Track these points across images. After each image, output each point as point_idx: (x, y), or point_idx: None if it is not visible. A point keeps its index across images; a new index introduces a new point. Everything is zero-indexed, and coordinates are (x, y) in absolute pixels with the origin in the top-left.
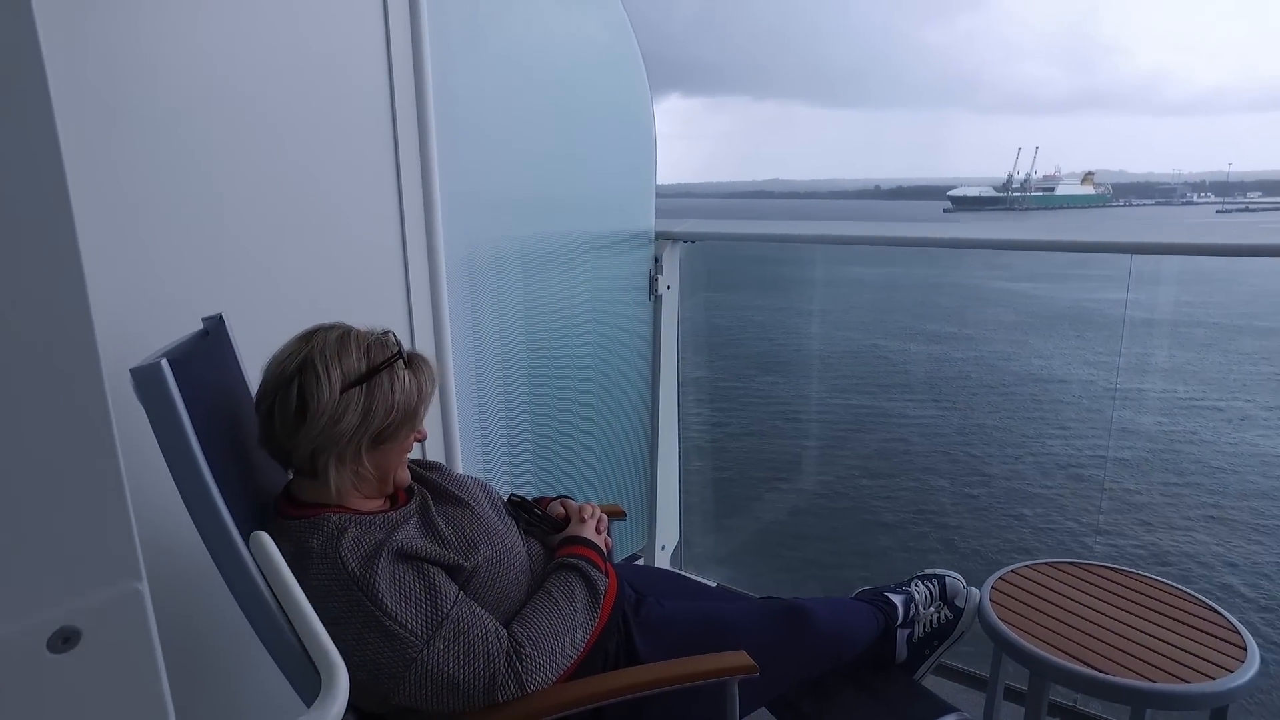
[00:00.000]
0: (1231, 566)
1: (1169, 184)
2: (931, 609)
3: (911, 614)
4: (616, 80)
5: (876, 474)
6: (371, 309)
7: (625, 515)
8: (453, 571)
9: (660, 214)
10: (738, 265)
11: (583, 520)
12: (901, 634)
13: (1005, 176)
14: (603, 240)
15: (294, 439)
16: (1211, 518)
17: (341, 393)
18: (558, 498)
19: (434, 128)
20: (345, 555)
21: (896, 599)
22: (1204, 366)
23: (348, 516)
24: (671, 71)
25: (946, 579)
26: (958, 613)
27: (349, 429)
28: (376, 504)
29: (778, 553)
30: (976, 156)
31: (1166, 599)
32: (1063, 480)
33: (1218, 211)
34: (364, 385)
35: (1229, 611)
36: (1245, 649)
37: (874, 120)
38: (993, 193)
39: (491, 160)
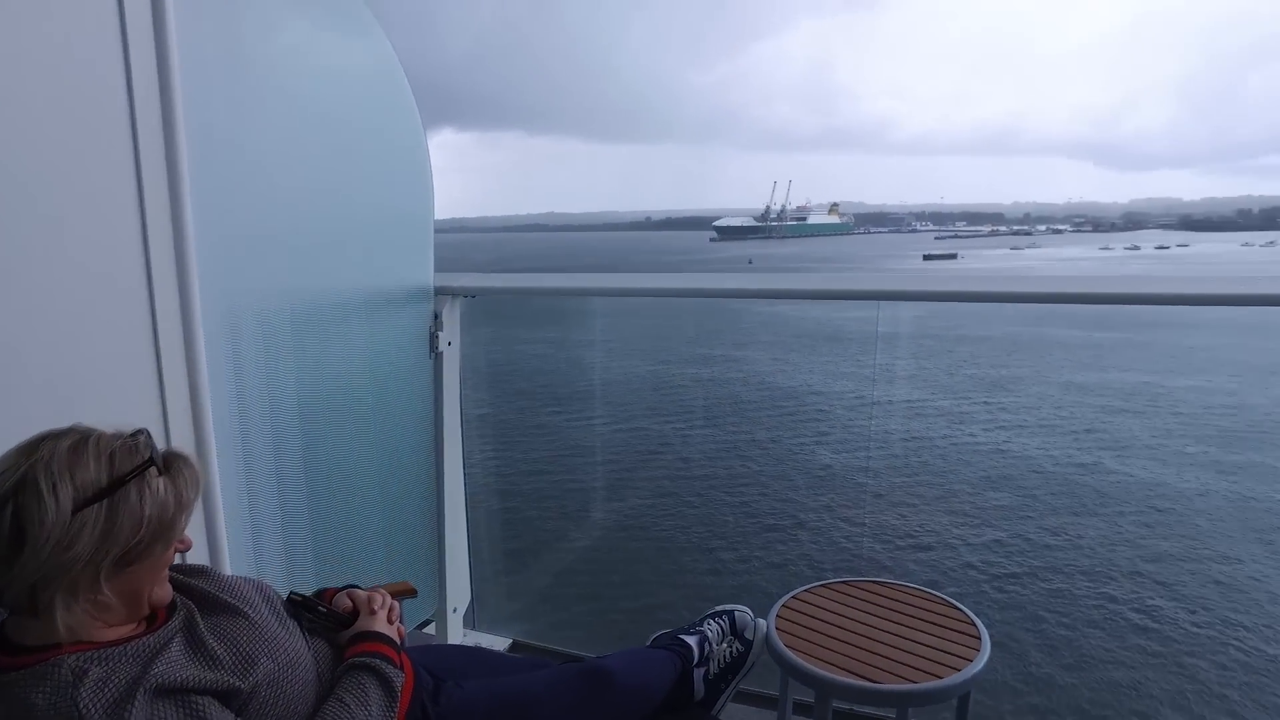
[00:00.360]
0: (969, 546)
1: (898, 214)
2: (724, 645)
3: (706, 652)
4: (386, 114)
5: (666, 501)
6: (111, 390)
7: (416, 593)
8: (228, 697)
9: (438, 248)
10: (515, 297)
11: (372, 611)
12: (698, 673)
13: (764, 207)
14: (379, 296)
15: (7, 573)
16: (952, 510)
17: (74, 513)
18: (344, 588)
19: (186, 170)
20: (85, 708)
21: (691, 640)
22: (935, 372)
23: (88, 654)
24: (444, 105)
25: (735, 613)
26: (748, 645)
27: (83, 555)
28: (127, 629)
29: (574, 599)
30: (738, 189)
31: (920, 603)
32: (833, 485)
33: (936, 239)
34: (104, 501)
35: (966, 605)
36: (979, 639)
37: (645, 155)
38: (754, 222)
39: (255, 204)
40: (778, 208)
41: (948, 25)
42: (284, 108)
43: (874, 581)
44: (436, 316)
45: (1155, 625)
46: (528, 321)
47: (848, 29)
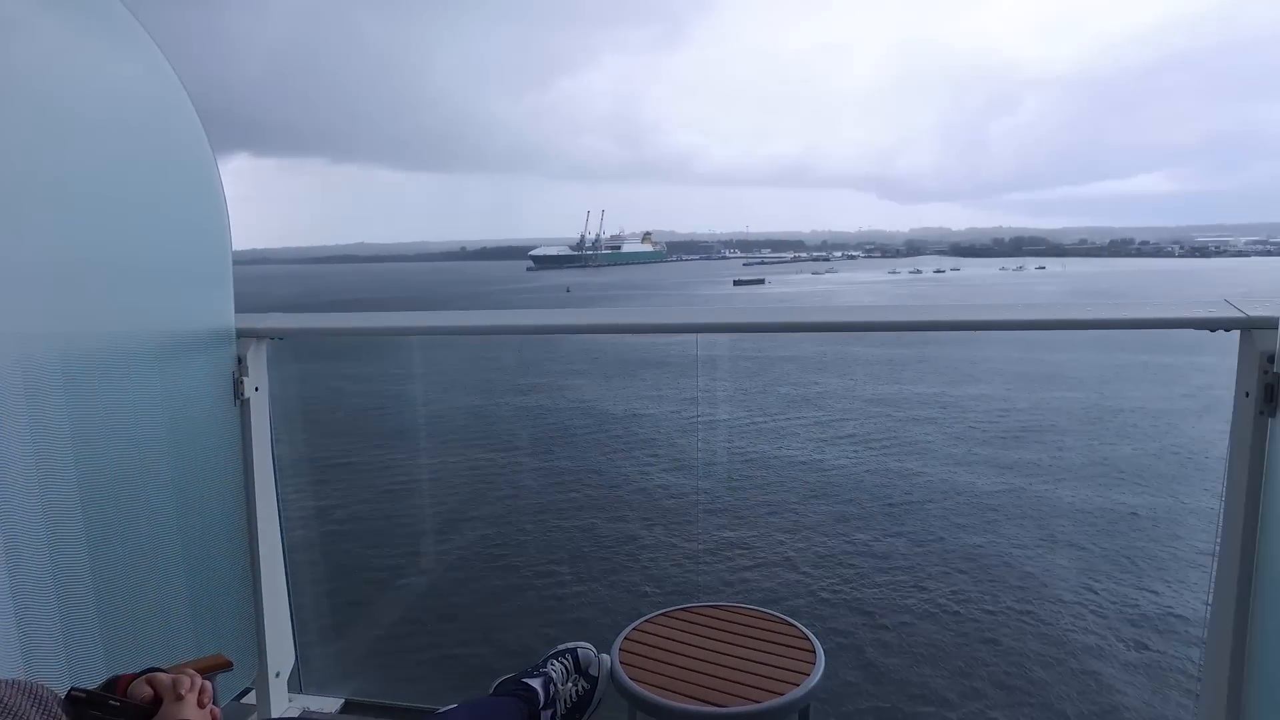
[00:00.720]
0: (799, 558)
1: (708, 242)
2: (569, 684)
3: (551, 694)
4: (166, 133)
5: (500, 536)
6: None
7: (230, 665)
8: None
9: (237, 281)
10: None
11: (178, 696)
12: (545, 716)
13: (579, 236)
14: (172, 340)
15: None
16: (780, 524)
17: None
18: (142, 673)
19: None
20: None
21: (535, 683)
22: (753, 392)
23: None
24: (237, 130)
25: (578, 651)
26: (593, 681)
27: None
28: None
29: (410, 649)
30: (552, 218)
31: (757, 623)
32: (667, 508)
33: (744, 265)
34: None
35: (802, 617)
36: (814, 653)
37: (456, 185)
38: (570, 251)
39: (14, 240)
40: (593, 236)
41: (744, 67)
42: (50, 132)
43: (712, 606)
44: (240, 361)
45: (958, 618)
46: (342, 357)
47: (650, 67)
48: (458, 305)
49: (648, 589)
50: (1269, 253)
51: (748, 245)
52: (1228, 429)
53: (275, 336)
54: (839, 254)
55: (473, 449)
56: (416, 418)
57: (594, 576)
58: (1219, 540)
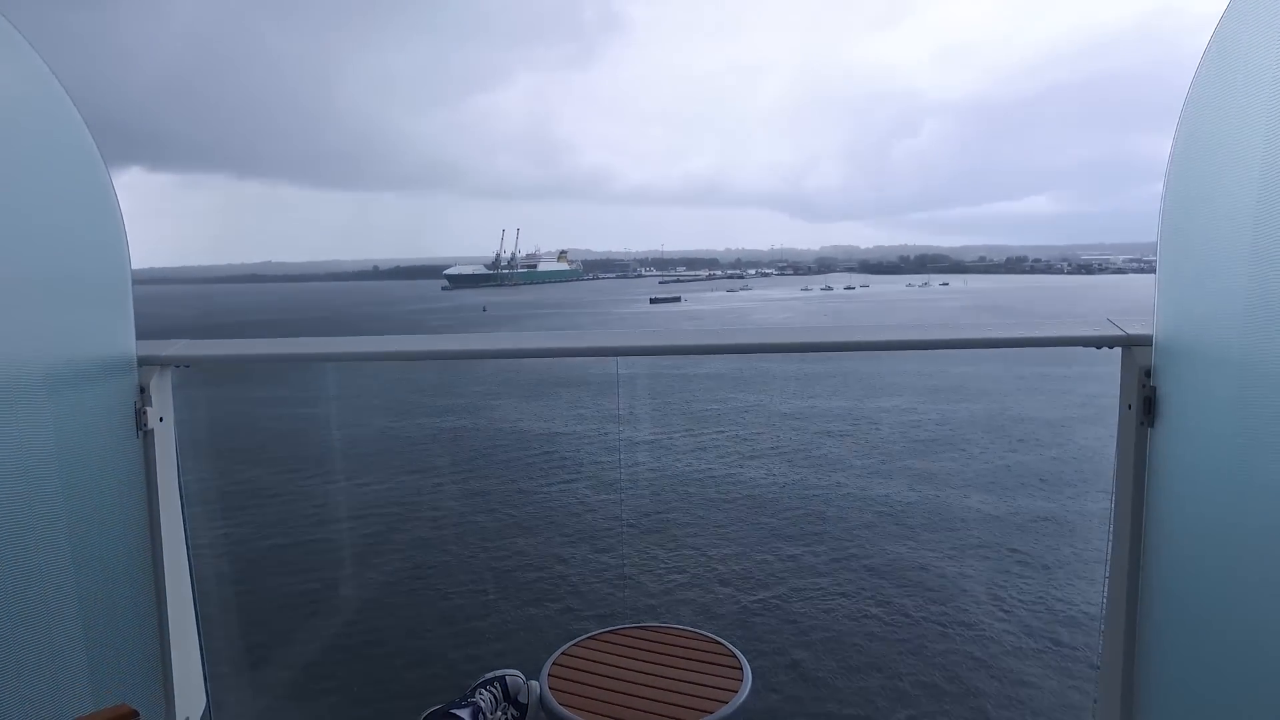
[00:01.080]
0: (723, 565)
1: (624, 260)
2: (498, 713)
3: None
4: (51, 146)
5: (423, 561)
6: None
7: (136, 713)
8: None
9: (137, 301)
10: (239, 364)
11: None
12: None
13: (495, 255)
14: (64, 369)
15: None
16: (703, 540)
17: None
18: None
19: None
20: None
21: (463, 713)
22: (673, 409)
23: None
24: (129, 142)
25: (507, 678)
26: (522, 709)
27: None
28: None
29: (331, 685)
30: (467, 237)
31: (684, 643)
32: (591, 528)
33: (660, 283)
34: None
35: (728, 632)
36: (741, 669)
37: (368, 202)
38: (485, 270)
39: None
40: (508, 255)
41: (656, 88)
42: None
43: (639, 627)
44: (143, 390)
45: (880, 622)
46: (253, 382)
47: (563, 86)
48: (372, 326)
49: (574, 614)
50: (1143, 270)
51: (663, 263)
52: (1115, 438)
53: (181, 364)
54: (753, 271)
55: (392, 473)
56: (333, 442)
57: (521, 600)
58: (1110, 540)
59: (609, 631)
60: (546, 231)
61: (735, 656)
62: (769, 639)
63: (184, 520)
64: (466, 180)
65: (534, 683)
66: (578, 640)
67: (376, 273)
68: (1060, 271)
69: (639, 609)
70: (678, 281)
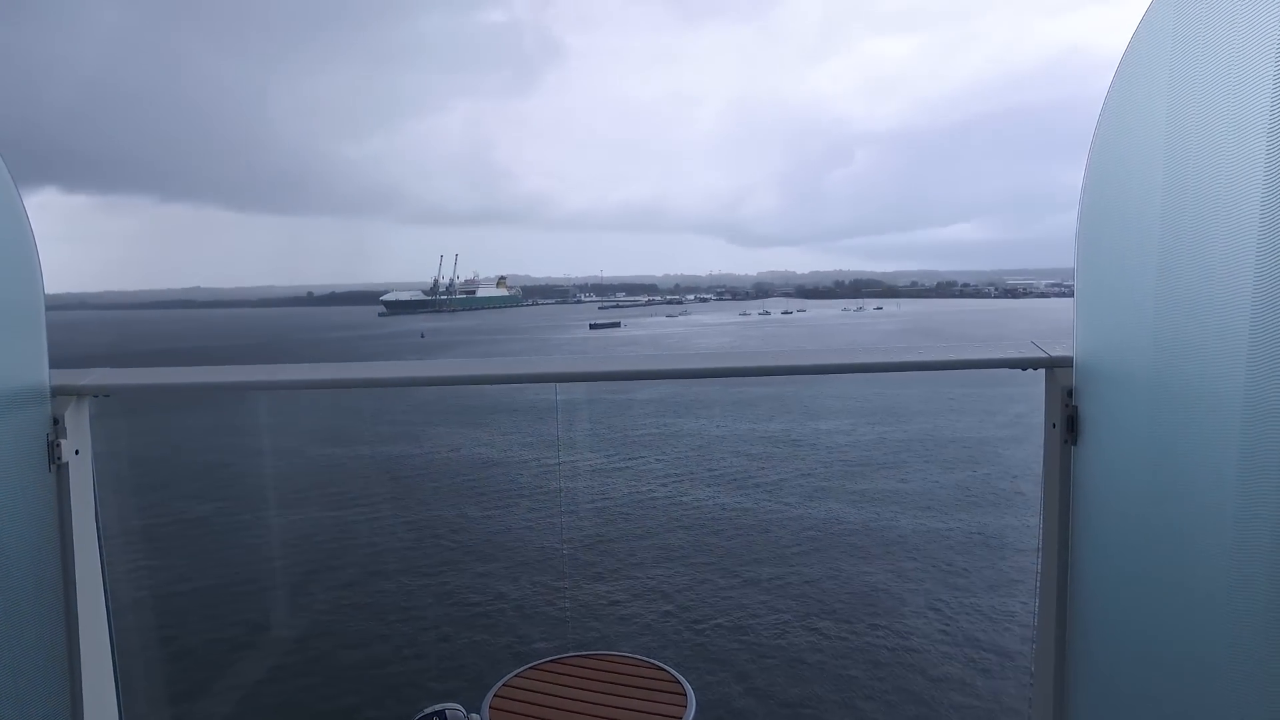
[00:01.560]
0: (666, 588)
1: (564, 286)
2: None
3: None
4: None
5: (359, 593)
6: None
7: None
8: None
9: (52, 329)
10: (163, 393)
11: None
12: None
13: (433, 281)
14: None
15: None
16: (645, 564)
17: None
18: None
19: None
20: None
21: None
22: (612, 434)
23: None
24: (42, 162)
25: (447, 712)
26: None
27: None
28: None
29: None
30: (404, 263)
31: (627, 670)
32: (532, 555)
33: (600, 309)
34: None
35: (671, 658)
36: (685, 695)
37: (302, 227)
38: (423, 296)
39: None
40: (447, 281)
41: (594, 115)
42: None
43: (582, 655)
44: (57, 422)
45: (824, 638)
46: (179, 411)
47: (501, 112)
48: (307, 353)
49: (516, 645)
50: (1064, 294)
51: (603, 289)
52: (1041, 456)
53: (100, 394)
54: (692, 297)
55: (328, 503)
56: (265, 473)
57: (461, 630)
58: (1040, 553)
59: (551, 661)
60: (486, 257)
61: (678, 681)
62: (714, 661)
63: (101, 559)
64: (404, 205)
65: (475, 716)
66: (519, 671)
67: (311, 298)
68: (988, 295)
69: (581, 636)
70: (618, 307)
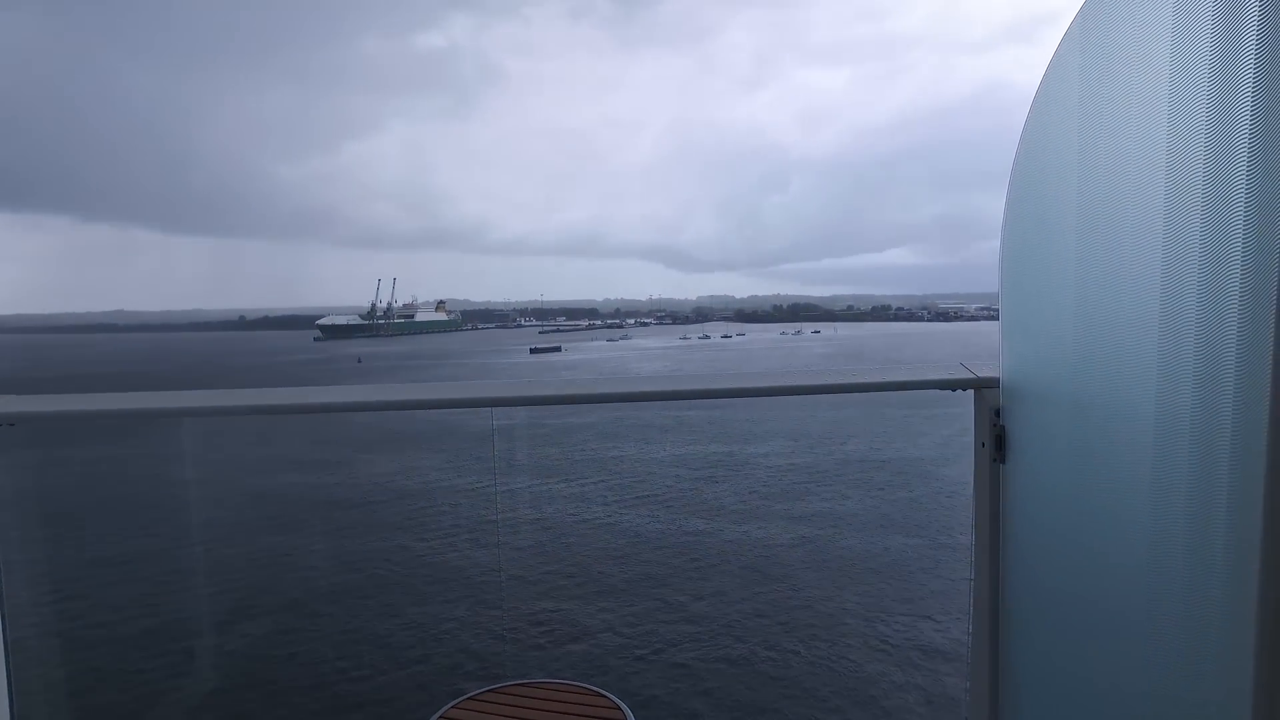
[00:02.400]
0: (607, 614)
1: (504, 310)
2: None
3: None
4: None
5: (294, 621)
6: None
7: None
8: None
9: None
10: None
11: None
12: None
13: (370, 305)
14: None
15: None
16: (586, 590)
17: None
18: None
19: None
20: None
21: None
22: (552, 458)
23: None
24: None
25: None
26: None
27: None
28: None
29: None
30: (340, 286)
31: (567, 697)
32: (470, 583)
33: (540, 333)
34: None
35: (614, 684)
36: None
37: (233, 249)
38: (360, 320)
39: None
40: (384, 305)
41: (534, 140)
42: None
43: (520, 684)
44: None
45: (766, 659)
46: (96, 440)
47: (440, 136)
48: (238, 378)
49: (453, 674)
50: (992, 317)
51: (543, 313)
52: (973, 474)
53: (4, 422)
54: (632, 321)
55: (256, 534)
56: (189, 503)
57: (398, 661)
58: (973, 568)
59: (489, 690)
60: (424, 281)
61: (619, 708)
62: (656, 686)
63: (3, 594)
64: (340, 228)
65: None
66: (456, 702)
67: (244, 322)
68: (921, 319)
69: (521, 664)
70: (558, 331)
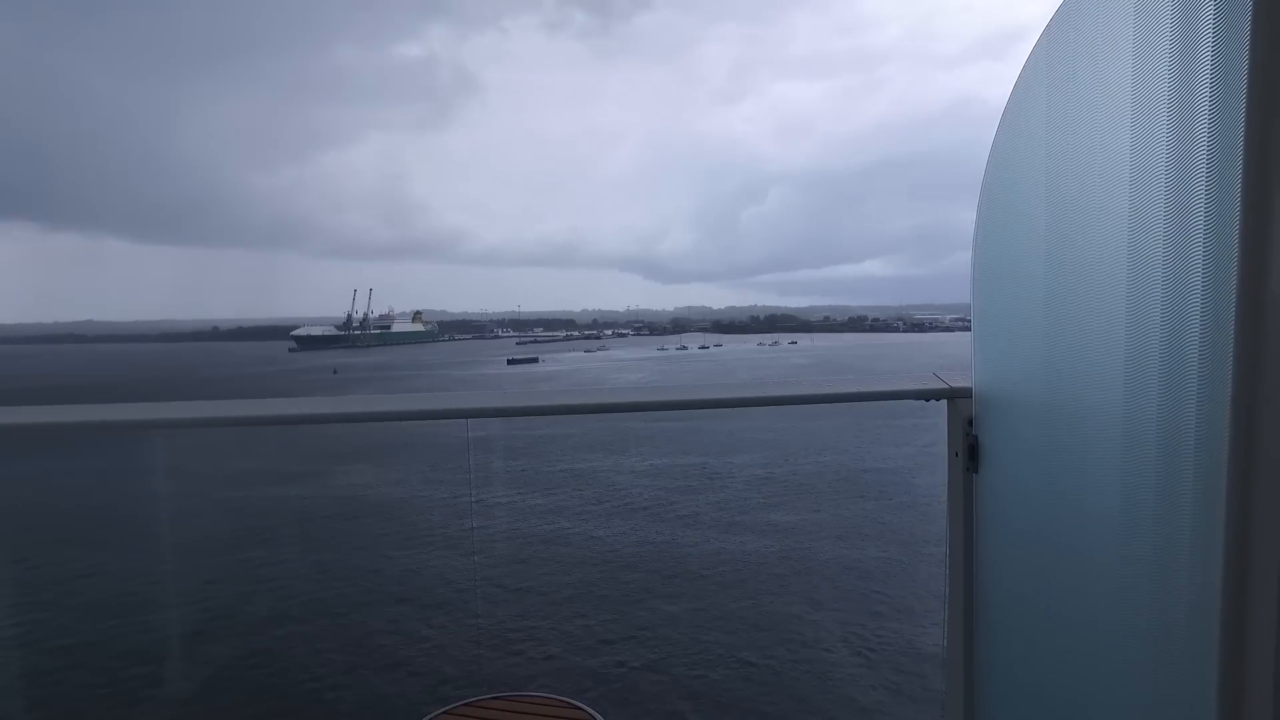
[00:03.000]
0: (584, 626)
1: (481, 321)
2: None
3: None
4: None
5: (266, 638)
6: None
7: None
8: None
9: None
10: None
11: None
12: None
13: (346, 316)
14: None
15: None
16: (562, 602)
17: None
18: None
19: None
20: None
21: None
22: (528, 470)
23: None
24: None
25: None
26: None
27: None
28: None
29: None
30: (315, 297)
31: (543, 711)
32: (444, 597)
33: (518, 344)
34: None
35: (588, 699)
36: None
37: (206, 260)
38: (336, 331)
39: None
40: (360, 316)
41: (511, 150)
42: None
43: (496, 698)
44: None
45: (744, 669)
46: (62, 454)
47: (417, 146)
48: (210, 390)
49: (426, 691)
50: (966, 328)
51: (521, 324)
52: (946, 484)
53: None
54: (610, 332)
55: (229, 547)
56: (160, 518)
57: (372, 676)
58: (947, 576)
59: (465, 704)
60: (400, 292)
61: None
62: (635, 698)
63: None
64: (315, 239)
65: None
66: (432, 716)
67: (217, 333)
68: (897, 330)
69: (497, 677)
70: (535, 342)
